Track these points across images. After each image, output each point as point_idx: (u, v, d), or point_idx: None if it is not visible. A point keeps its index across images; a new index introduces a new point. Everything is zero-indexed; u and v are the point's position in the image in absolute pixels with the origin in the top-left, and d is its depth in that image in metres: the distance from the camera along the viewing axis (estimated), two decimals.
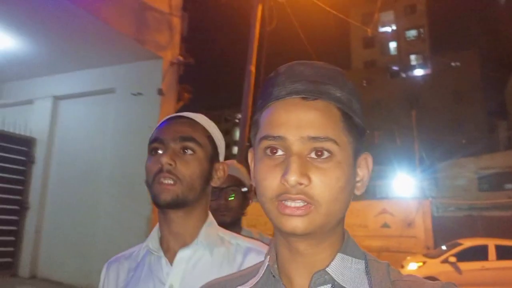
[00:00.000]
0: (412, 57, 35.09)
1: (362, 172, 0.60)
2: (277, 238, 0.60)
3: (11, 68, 5.59)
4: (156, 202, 0.88)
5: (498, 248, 9.23)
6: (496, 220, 13.15)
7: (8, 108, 5.96)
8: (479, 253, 9.13)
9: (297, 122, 0.54)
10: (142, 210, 4.74)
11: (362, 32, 29.95)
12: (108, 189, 5.07)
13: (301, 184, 0.52)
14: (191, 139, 0.91)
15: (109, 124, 5.29)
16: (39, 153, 5.66)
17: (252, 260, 0.88)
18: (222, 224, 1.34)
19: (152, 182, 0.88)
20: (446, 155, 21.21)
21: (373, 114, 29.27)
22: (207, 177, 0.94)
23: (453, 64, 30.33)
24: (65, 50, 5.12)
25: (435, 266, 9.18)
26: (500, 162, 19.22)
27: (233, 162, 1.67)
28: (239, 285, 0.63)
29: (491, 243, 9.45)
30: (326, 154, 0.54)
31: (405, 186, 17.95)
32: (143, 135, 4.76)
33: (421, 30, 34.73)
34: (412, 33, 35.65)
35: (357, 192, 0.59)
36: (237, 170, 1.64)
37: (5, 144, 5.42)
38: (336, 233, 0.59)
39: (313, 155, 0.54)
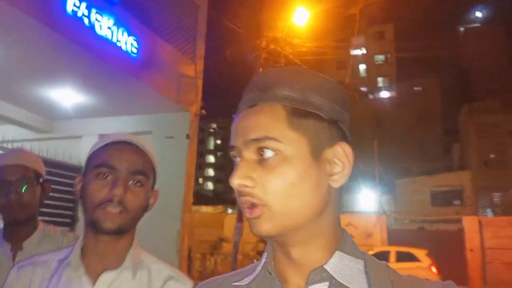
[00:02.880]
0: (380, 79, 38.09)
1: (340, 163, 0.58)
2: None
3: (66, 109, 7.18)
4: (97, 227, 0.88)
5: (398, 253, 11.99)
6: (444, 233, 15.06)
7: (60, 141, 7.51)
8: (382, 257, 11.85)
9: (242, 129, 0.57)
10: (173, 226, 6.47)
11: (335, 55, 32.39)
12: None
13: (247, 186, 0.54)
14: (142, 173, 0.94)
15: None
16: None
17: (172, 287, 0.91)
18: (15, 223, 1.36)
19: (96, 207, 0.89)
20: (406, 173, 23.76)
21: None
22: (146, 206, 0.99)
23: (415, 88, 33.31)
24: (113, 101, 6.76)
25: None
26: (451, 181, 21.94)
27: (22, 150, 1.52)
28: (236, 282, 0.64)
29: (393, 249, 12.28)
30: (269, 152, 0.54)
31: (368, 200, 20.23)
32: (173, 170, 6.54)
33: (388, 55, 37.84)
34: (380, 57, 38.74)
35: (335, 185, 0.58)
36: (28, 158, 1.46)
37: (59, 171, 7.01)
38: (325, 233, 0.58)
39: (258, 156, 0.55)
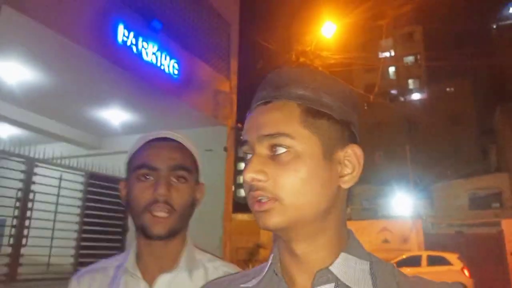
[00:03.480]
0: (410, 81, 37.57)
1: (350, 164, 0.59)
2: (277, 238, 0.61)
3: (114, 127, 7.79)
4: (147, 233, 0.88)
5: (429, 257, 12.19)
6: (483, 237, 14.81)
7: (108, 157, 8.15)
8: (414, 261, 12.02)
9: (256, 124, 0.58)
10: (216, 234, 6.89)
11: (364, 65, 32.24)
12: None
13: (259, 180, 0.54)
14: (184, 168, 0.92)
15: None
16: None
17: None
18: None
19: (142, 211, 0.88)
20: (441, 176, 23.31)
21: (373, 136, 31.39)
22: (194, 202, 0.98)
23: (447, 89, 32.62)
24: (156, 118, 7.30)
25: None
26: (489, 184, 21.36)
27: None
28: (243, 284, 0.64)
29: (424, 254, 12.49)
30: (282, 149, 0.55)
31: (403, 205, 20.02)
32: (213, 182, 6.98)
33: (418, 56, 37.29)
34: (409, 59, 38.23)
35: (344, 186, 0.59)
36: None
37: (108, 184, 7.61)
38: (330, 231, 0.58)
39: (270, 151, 0.56)
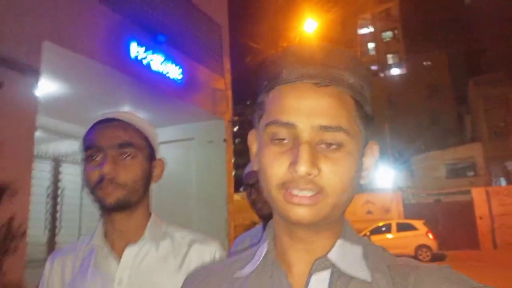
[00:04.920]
0: (389, 56, 38.59)
1: (369, 161, 0.59)
2: (277, 224, 0.59)
3: None
4: (101, 206, 0.91)
5: (398, 224, 13.73)
6: (458, 204, 16.21)
7: None
8: (386, 229, 13.70)
9: (309, 109, 0.52)
10: (221, 215, 7.87)
11: (343, 35, 33.07)
12: (195, 201, 8.18)
13: (310, 174, 0.51)
14: (129, 144, 0.93)
15: (192, 161, 8.38)
16: None
17: (196, 250, 0.96)
18: (262, 217, 1.60)
19: (93, 189, 0.90)
20: (420, 149, 24.71)
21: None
22: (148, 177, 0.98)
23: (425, 63, 33.76)
24: (161, 115, 8.11)
25: None
26: (464, 154, 22.88)
27: None
28: (238, 270, 0.61)
29: (394, 222, 14.06)
30: (337, 144, 0.52)
31: (385, 178, 21.37)
32: (216, 169, 7.93)
33: (396, 31, 38.21)
34: (388, 34, 39.13)
35: (362, 181, 0.58)
36: None
37: None
38: (339, 222, 0.58)
39: (323, 144, 0.52)
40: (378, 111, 32.36)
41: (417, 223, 13.32)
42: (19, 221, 3.84)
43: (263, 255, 0.60)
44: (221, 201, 7.98)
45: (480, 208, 15.13)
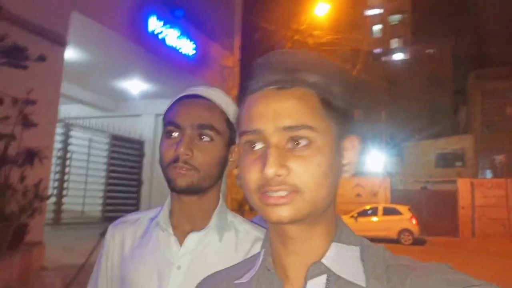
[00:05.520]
0: (394, 40, 38.37)
1: (350, 155, 0.59)
2: (270, 229, 0.60)
3: (130, 93, 8.86)
4: (171, 187, 0.89)
5: (385, 208, 14.26)
6: (443, 193, 16.82)
7: (123, 119, 9.26)
8: (373, 212, 14.23)
9: (273, 113, 0.54)
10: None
11: (352, 16, 32.71)
12: None
13: (279, 175, 0.52)
14: (209, 127, 0.88)
15: None
16: (147, 149, 9.05)
17: (258, 249, 0.80)
18: None
19: (166, 167, 0.88)
20: (413, 136, 25.21)
21: (355, 93, 32.59)
22: (224, 163, 0.93)
23: (428, 51, 33.74)
24: (169, 88, 8.42)
25: (345, 219, 13.74)
26: (454, 144, 23.45)
27: None
28: (237, 279, 0.63)
29: (381, 206, 14.61)
30: (304, 142, 0.53)
31: (377, 162, 21.96)
32: None
33: (405, 15, 37.81)
34: (396, 17, 38.73)
35: (346, 175, 0.59)
36: None
37: (125, 144, 8.82)
38: (327, 219, 0.58)
39: (291, 144, 0.54)
40: (376, 95, 32.59)
41: (402, 208, 13.92)
42: (44, 184, 4.20)
43: (260, 261, 0.61)
44: None
45: (464, 199, 15.85)
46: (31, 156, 3.76)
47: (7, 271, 3.55)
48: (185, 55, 7.21)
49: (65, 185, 7.26)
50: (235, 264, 0.71)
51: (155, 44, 6.48)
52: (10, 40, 3.41)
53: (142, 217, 0.98)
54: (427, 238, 14.23)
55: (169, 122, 0.89)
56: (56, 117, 4.93)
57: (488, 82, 22.86)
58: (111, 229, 0.99)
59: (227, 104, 0.93)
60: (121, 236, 0.96)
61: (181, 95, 0.92)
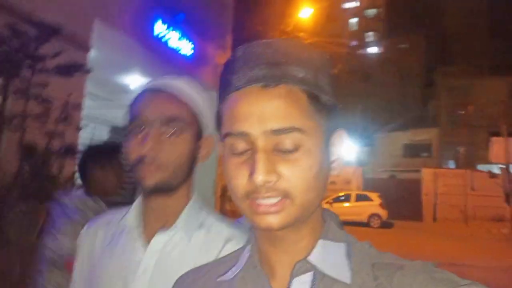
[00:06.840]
0: (369, 34, 39.58)
1: (338, 151, 0.57)
2: (256, 229, 0.58)
3: (128, 86, 9.45)
4: (140, 185, 0.84)
5: (357, 195, 15.74)
6: (410, 181, 18.43)
7: (121, 110, 9.84)
8: (347, 198, 15.70)
9: (259, 114, 0.50)
10: (210, 176, 9.15)
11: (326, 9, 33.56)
12: None
13: (269, 182, 0.49)
14: (176, 120, 0.83)
15: None
16: None
17: (231, 249, 0.78)
18: None
19: (134, 166, 0.83)
20: (385, 127, 26.66)
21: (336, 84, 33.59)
22: (193, 158, 0.88)
23: (401, 46, 35.12)
24: None
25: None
26: (421, 136, 25.11)
27: None
28: (221, 275, 0.61)
29: (353, 193, 16.15)
30: (293, 145, 0.50)
31: (350, 152, 23.26)
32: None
33: (381, 9, 38.98)
34: (372, 11, 39.88)
35: (334, 173, 0.57)
36: None
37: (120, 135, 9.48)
38: (316, 218, 0.57)
39: (279, 147, 0.51)
40: (352, 87, 33.77)
41: (373, 195, 15.35)
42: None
43: (246, 258, 0.59)
44: (211, 161, 9.16)
45: (427, 187, 17.46)
46: (71, 150, 4.38)
47: None
48: (184, 55, 7.93)
49: None
50: (214, 260, 0.70)
51: (159, 47, 7.13)
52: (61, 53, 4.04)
53: (112, 219, 0.94)
54: (394, 221, 15.65)
55: (132, 118, 0.84)
56: (81, 116, 5.58)
57: (452, 79, 24.46)
58: (84, 230, 0.96)
59: (195, 95, 0.88)
60: (93, 235, 0.93)
61: (144, 88, 0.88)
